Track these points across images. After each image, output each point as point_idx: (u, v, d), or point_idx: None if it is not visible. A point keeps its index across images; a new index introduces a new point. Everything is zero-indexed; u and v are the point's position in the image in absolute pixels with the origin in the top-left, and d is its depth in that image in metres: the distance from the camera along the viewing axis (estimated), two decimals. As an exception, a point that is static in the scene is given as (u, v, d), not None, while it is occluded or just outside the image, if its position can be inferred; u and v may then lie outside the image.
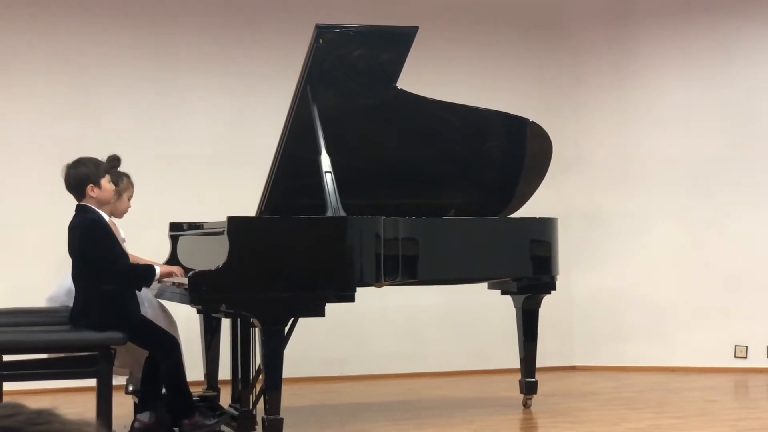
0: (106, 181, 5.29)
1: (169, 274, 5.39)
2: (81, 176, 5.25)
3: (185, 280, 5.20)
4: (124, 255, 5.34)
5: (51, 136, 7.39)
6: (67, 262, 5.36)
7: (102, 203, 5.30)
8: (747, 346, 8.06)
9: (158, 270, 5.27)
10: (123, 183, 5.80)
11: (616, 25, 8.56)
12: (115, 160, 5.60)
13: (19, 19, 7.44)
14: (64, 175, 5.30)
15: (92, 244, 5.20)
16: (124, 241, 5.63)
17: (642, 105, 8.45)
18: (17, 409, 0.97)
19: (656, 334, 8.27)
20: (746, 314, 8.02)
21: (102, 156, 5.43)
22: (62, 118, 7.45)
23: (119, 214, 5.82)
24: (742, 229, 8.09)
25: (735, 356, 8.10)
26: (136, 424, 5.44)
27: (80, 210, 5.29)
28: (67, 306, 5.48)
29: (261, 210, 5.73)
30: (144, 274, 5.27)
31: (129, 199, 5.84)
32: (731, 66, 8.22)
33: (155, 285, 5.78)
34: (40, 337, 5.20)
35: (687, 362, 8.15)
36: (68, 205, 5.43)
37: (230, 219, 5.14)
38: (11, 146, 7.35)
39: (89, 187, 5.23)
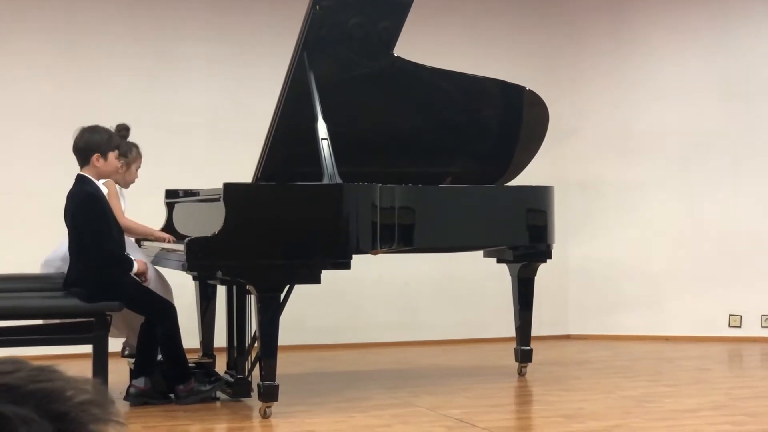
0: (113, 156, 5.31)
1: (142, 274, 5.39)
2: (92, 143, 5.26)
3: (180, 246, 5.21)
4: (117, 231, 5.34)
5: (48, 104, 7.36)
6: (64, 229, 5.36)
7: (101, 175, 5.31)
8: (741, 316, 8.09)
9: (135, 267, 5.29)
10: (132, 154, 5.82)
11: (613, -7, 8.53)
12: (124, 130, 5.62)
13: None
14: (75, 137, 5.30)
15: (85, 217, 5.21)
16: (124, 211, 5.66)
17: (640, 75, 8.43)
18: (18, 365, 0.96)
19: (651, 304, 8.29)
20: (740, 284, 8.04)
21: (110, 125, 5.44)
22: (59, 87, 7.41)
23: (126, 185, 5.84)
24: (738, 200, 8.10)
25: (729, 326, 8.12)
26: (132, 390, 5.45)
27: (79, 180, 5.29)
28: (62, 272, 5.48)
29: (257, 177, 5.72)
30: (122, 264, 5.28)
31: (137, 170, 5.86)
32: (729, 37, 8.20)
33: (152, 251, 5.81)
34: (36, 303, 5.21)
35: (681, 331, 8.17)
36: (66, 173, 5.43)
37: (226, 186, 5.13)
38: (9, 115, 7.31)
39: (95, 155, 5.24)
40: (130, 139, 5.78)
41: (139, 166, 5.88)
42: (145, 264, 5.48)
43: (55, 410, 0.94)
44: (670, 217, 8.27)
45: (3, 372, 0.95)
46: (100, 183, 5.40)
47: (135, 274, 5.35)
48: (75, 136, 5.32)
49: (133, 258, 5.37)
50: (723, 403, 5.55)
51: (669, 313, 8.25)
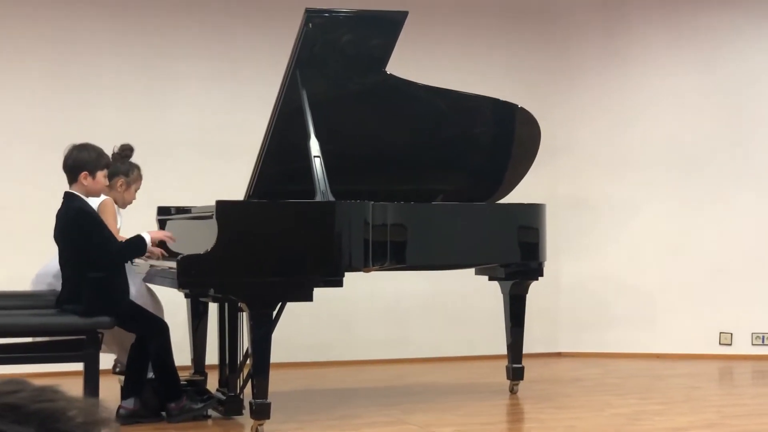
0: (101, 175, 5.30)
1: (160, 239, 5.39)
2: (80, 160, 5.25)
3: (173, 263, 5.20)
4: (113, 236, 5.34)
5: (37, 121, 7.35)
6: (53, 247, 5.35)
7: (89, 193, 5.30)
8: (732, 333, 8.10)
9: (148, 237, 5.27)
10: (133, 174, 5.85)
11: (605, 10, 8.56)
12: (128, 150, 5.65)
13: (6, 4, 7.38)
14: (66, 154, 5.30)
15: (82, 233, 5.20)
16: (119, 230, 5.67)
17: (630, 91, 8.46)
18: (21, 386, 0.96)
19: (642, 321, 8.29)
20: (731, 301, 8.06)
21: (102, 142, 5.43)
22: (49, 104, 7.40)
23: (123, 205, 5.85)
24: (729, 216, 8.12)
25: (720, 343, 8.13)
26: (121, 411, 5.42)
27: (68, 198, 5.29)
28: (54, 290, 5.46)
29: (249, 194, 5.72)
30: (135, 244, 5.27)
31: (136, 191, 5.87)
32: (720, 52, 8.24)
33: (143, 269, 5.79)
34: (27, 321, 5.19)
35: (672, 349, 8.18)
36: (53, 190, 5.42)
37: (219, 203, 5.13)
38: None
39: (83, 173, 5.23)
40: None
41: (139, 188, 5.90)
42: (157, 231, 5.51)
43: (58, 430, 0.94)
44: (661, 234, 8.29)
45: (6, 392, 0.95)
46: (98, 200, 5.41)
47: (156, 239, 5.35)
48: (65, 153, 5.32)
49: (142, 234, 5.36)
50: (714, 421, 5.55)
51: (660, 331, 8.26)
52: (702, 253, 8.16)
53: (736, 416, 5.71)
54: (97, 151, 5.32)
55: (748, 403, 6.24)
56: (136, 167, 5.86)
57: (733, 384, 7.50)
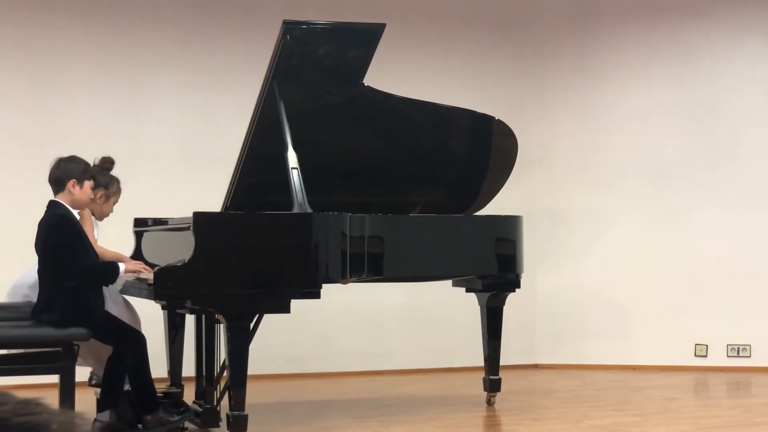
0: (88, 185, 5.31)
1: (135, 272, 5.38)
2: (69, 170, 5.26)
3: (150, 276, 5.18)
4: (92, 252, 5.31)
5: (17, 130, 7.32)
6: (33, 257, 5.32)
7: (75, 203, 5.28)
8: (707, 345, 8.14)
9: (122, 268, 5.26)
10: (113, 187, 5.83)
11: (580, 24, 8.61)
12: (108, 162, 5.63)
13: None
14: (52, 166, 5.30)
15: (58, 239, 5.17)
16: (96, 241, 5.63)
17: (606, 104, 8.51)
18: (4, 398, 0.96)
19: (618, 333, 8.32)
20: (707, 313, 8.10)
21: (79, 152, 5.42)
22: (26, 113, 7.37)
23: (101, 217, 5.83)
24: (704, 228, 8.17)
25: (695, 355, 8.17)
26: (97, 424, 5.38)
27: (51, 206, 5.27)
28: (29, 301, 5.43)
29: (226, 206, 5.71)
30: (108, 271, 5.25)
31: (114, 204, 5.85)
32: (693, 66, 8.30)
33: (120, 280, 5.75)
34: (2, 333, 5.14)
35: (648, 361, 8.21)
36: (28, 200, 5.39)
37: (196, 214, 5.12)
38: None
39: (72, 181, 5.22)
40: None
41: (117, 201, 5.87)
42: (134, 263, 5.48)
43: (40, 443, 0.93)
44: (637, 246, 8.33)
45: (-11, 405, 0.94)
46: (76, 212, 5.39)
47: (130, 271, 5.32)
48: (51, 165, 5.31)
49: (120, 257, 5.35)
50: (691, 432, 5.57)
51: (636, 343, 8.29)
52: (677, 266, 8.20)
53: (712, 428, 5.74)
54: (85, 163, 5.36)
55: (723, 415, 6.27)
56: (116, 180, 5.84)
57: (709, 395, 7.53)
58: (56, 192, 5.28)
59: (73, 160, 5.33)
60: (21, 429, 0.93)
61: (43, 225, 5.24)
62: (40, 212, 5.29)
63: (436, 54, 8.41)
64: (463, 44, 8.50)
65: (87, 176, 5.29)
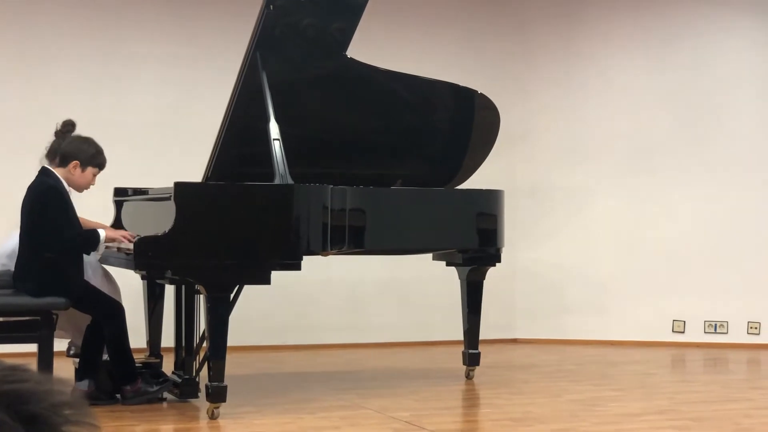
0: (90, 172, 5.31)
1: (114, 239, 5.34)
2: (79, 150, 5.27)
3: (131, 246, 5.16)
4: (77, 225, 5.28)
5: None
6: (9, 228, 5.29)
7: (70, 182, 5.27)
8: (684, 321, 8.18)
9: (103, 234, 5.23)
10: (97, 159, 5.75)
11: (565, 1, 8.59)
12: (69, 125, 5.57)
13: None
14: (68, 139, 5.28)
15: (44, 209, 5.15)
16: None
17: (589, 82, 8.51)
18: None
19: (597, 309, 8.36)
20: (684, 290, 8.14)
21: (57, 122, 5.38)
22: (7, 84, 7.30)
23: (79, 189, 5.73)
24: (683, 206, 8.20)
25: (673, 331, 8.22)
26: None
27: (42, 173, 5.25)
28: (8, 269, 5.40)
29: (207, 177, 5.68)
30: (88, 239, 5.23)
31: (94, 177, 5.76)
32: (678, 47, 8.30)
33: (99, 250, 5.72)
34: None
35: (626, 336, 8.25)
36: (11, 168, 5.35)
37: (177, 184, 5.09)
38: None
39: (75, 162, 5.22)
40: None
41: (96, 174, 5.79)
42: (114, 230, 5.45)
43: (27, 412, 0.92)
44: (617, 222, 8.35)
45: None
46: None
47: (110, 239, 5.28)
48: (67, 138, 5.29)
49: (99, 226, 5.31)
50: (667, 407, 5.61)
51: (614, 318, 8.33)
52: (656, 242, 8.23)
53: (688, 402, 5.77)
54: (97, 149, 5.33)
55: (700, 390, 6.31)
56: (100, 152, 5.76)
57: (686, 371, 7.58)
58: (58, 164, 5.26)
59: (87, 141, 5.34)
60: (8, 397, 0.92)
61: (32, 190, 5.22)
62: (18, 182, 5.26)
63: (420, 29, 8.37)
64: (448, 20, 8.46)
65: (93, 162, 5.29)
